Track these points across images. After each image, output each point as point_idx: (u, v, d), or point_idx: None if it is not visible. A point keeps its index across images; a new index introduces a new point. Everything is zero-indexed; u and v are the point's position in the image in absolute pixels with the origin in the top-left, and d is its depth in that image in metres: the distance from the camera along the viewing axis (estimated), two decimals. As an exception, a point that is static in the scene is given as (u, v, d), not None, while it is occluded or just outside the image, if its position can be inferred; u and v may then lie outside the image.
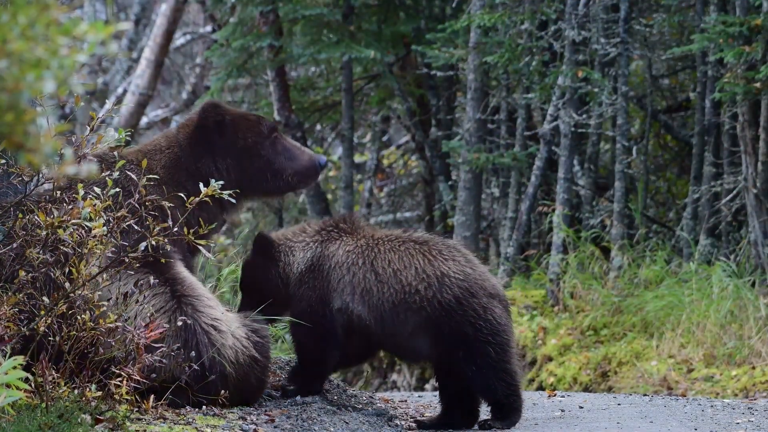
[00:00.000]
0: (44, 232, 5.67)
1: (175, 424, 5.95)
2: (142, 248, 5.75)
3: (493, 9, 13.73)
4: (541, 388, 12.03)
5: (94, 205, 5.63)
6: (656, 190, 15.57)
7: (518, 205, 14.16)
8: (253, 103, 17.41)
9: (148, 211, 6.07)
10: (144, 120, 20.80)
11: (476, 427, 6.74)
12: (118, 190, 5.89)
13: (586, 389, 11.79)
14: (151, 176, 6.16)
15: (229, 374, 6.35)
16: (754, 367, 10.82)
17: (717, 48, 12.13)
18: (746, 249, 12.35)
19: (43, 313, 5.64)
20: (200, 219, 6.37)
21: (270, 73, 15.73)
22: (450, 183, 15.74)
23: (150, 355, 5.83)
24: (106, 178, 5.83)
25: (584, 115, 13.42)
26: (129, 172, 6.28)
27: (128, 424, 5.63)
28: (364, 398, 7.35)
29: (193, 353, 6.21)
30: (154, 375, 5.99)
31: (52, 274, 5.73)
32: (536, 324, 12.64)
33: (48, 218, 5.64)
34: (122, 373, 5.69)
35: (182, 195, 6.50)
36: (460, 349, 6.55)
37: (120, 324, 5.73)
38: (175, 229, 5.89)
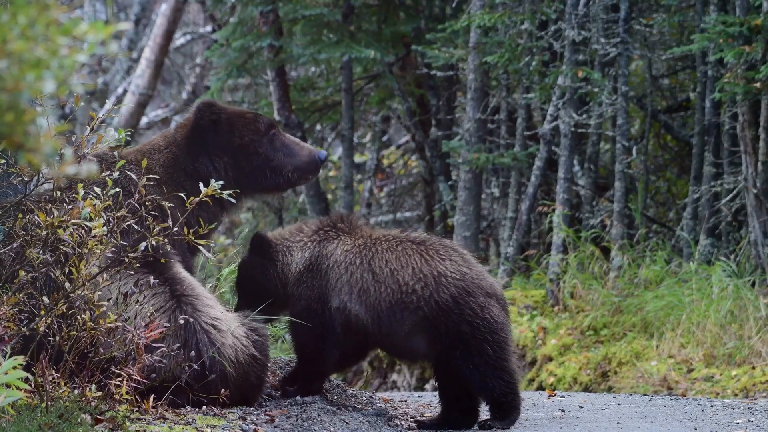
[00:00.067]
0: (44, 232, 5.67)
1: (175, 424, 5.95)
2: (142, 248, 5.75)
3: (493, 9, 13.73)
4: (541, 388, 12.03)
5: (94, 205, 5.63)
6: (656, 190, 15.57)
7: (518, 205, 14.16)
8: (253, 103, 17.41)
9: (148, 211, 6.07)
10: (144, 120, 20.80)
11: (476, 427, 6.74)
12: (118, 190, 5.89)
13: (586, 389, 11.79)
14: (151, 176, 6.17)
15: (229, 373, 6.35)
16: (754, 367, 10.82)
17: (717, 48, 12.13)
18: (746, 249, 12.35)
19: (43, 313, 5.64)
20: (200, 219, 6.37)
21: (270, 73, 15.74)
22: (450, 183, 15.74)
23: (150, 354, 5.84)
24: (106, 178, 5.83)
25: (584, 115, 13.42)
26: (129, 172, 6.28)
27: (128, 424, 5.63)
28: (364, 398, 7.35)
29: (193, 353, 6.21)
30: (154, 375, 5.99)
31: (52, 274, 5.73)
32: (536, 324, 12.64)
33: (48, 218, 5.64)
34: (122, 373, 5.69)
35: (182, 195, 6.51)
36: (457, 348, 6.56)
37: (120, 324, 5.73)
38: (175, 229, 5.89)
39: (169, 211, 6.27)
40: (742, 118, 12.28)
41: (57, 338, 5.71)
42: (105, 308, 5.76)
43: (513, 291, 13.18)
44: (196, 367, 6.20)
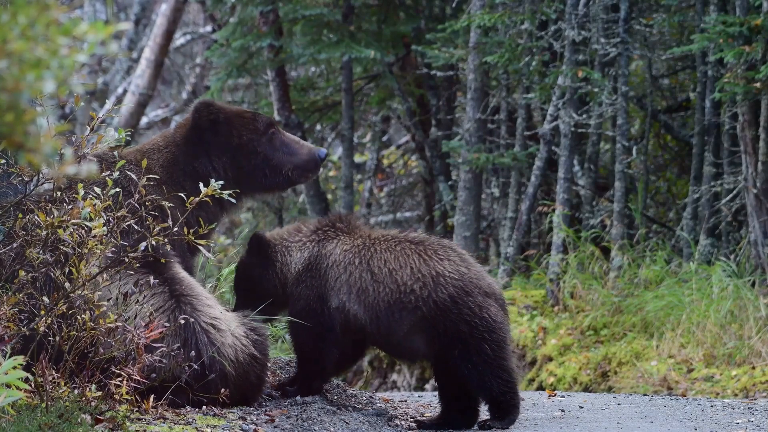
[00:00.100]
0: (44, 232, 5.67)
1: (175, 424, 5.95)
2: (142, 248, 5.75)
3: (493, 9, 13.73)
4: (541, 388, 12.03)
5: (94, 205, 5.63)
6: (656, 190, 15.57)
7: (518, 205, 14.16)
8: (253, 103, 17.41)
9: (148, 211, 6.07)
10: (144, 120, 20.80)
11: (476, 427, 6.74)
12: (118, 190, 5.89)
13: (586, 389, 11.79)
14: (151, 176, 6.17)
15: (229, 373, 6.35)
16: (754, 367, 10.82)
17: (717, 48, 12.13)
18: (746, 249, 12.35)
19: (43, 313, 5.64)
20: (200, 219, 6.37)
21: (270, 73, 15.74)
22: (450, 183, 15.74)
23: (150, 354, 5.84)
24: (106, 178, 5.83)
25: (584, 115, 13.42)
26: (129, 172, 6.28)
27: (128, 424, 5.63)
28: (364, 398, 7.35)
29: (192, 353, 6.21)
30: (154, 375, 5.99)
31: (52, 274, 5.73)
32: (536, 324, 12.64)
33: (48, 218, 5.64)
34: (122, 373, 5.69)
35: (182, 195, 6.51)
36: (456, 347, 6.57)
37: (120, 324, 5.73)
38: (175, 229, 5.89)
39: (169, 211, 6.27)
40: (742, 118, 12.28)
41: (57, 338, 5.71)
42: (105, 308, 5.76)
43: (513, 291, 13.18)
44: (196, 367, 6.20)
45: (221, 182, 5.99)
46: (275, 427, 6.20)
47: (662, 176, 15.63)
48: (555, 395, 8.57)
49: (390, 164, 19.62)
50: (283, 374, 7.42)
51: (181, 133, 6.92)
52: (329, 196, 18.10)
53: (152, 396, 5.97)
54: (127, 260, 5.79)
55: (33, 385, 5.53)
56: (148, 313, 6.14)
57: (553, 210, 13.39)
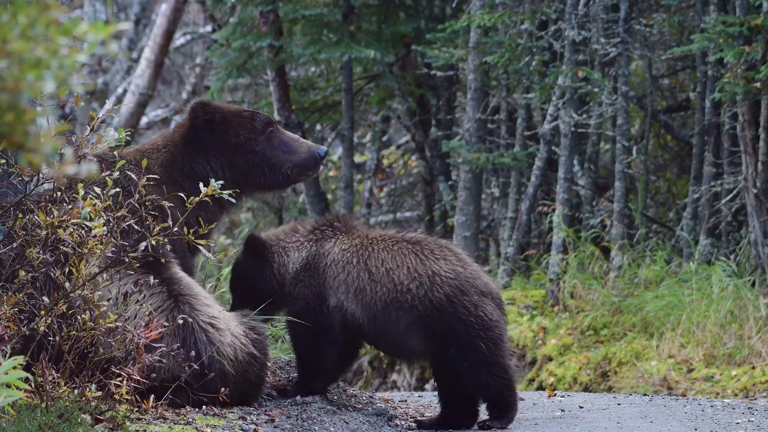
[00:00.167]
0: (44, 232, 5.67)
1: (175, 424, 5.95)
2: (142, 248, 5.75)
3: (493, 9, 13.73)
4: (541, 388, 12.03)
5: (94, 205, 5.63)
6: (656, 190, 15.57)
7: (518, 205, 14.17)
8: (253, 103, 17.41)
9: (148, 210, 6.07)
10: (144, 120, 20.80)
11: (476, 427, 6.74)
12: (118, 190, 5.89)
13: (586, 389, 11.79)
14: (150, 176, 6.17)
15: (228, 372, 6.35)
16: (754, 367, 10.82)
17: (717, 48, 12.13)
18: (746, 249, 12.35)
19: (43, 313, 5.64)
20: (199, 219, 6.37)
21: (270, 73, 15.74)
22: (450, 183, 15.74)
23: (150, 354, 5.84)
24: (106, 178, 5.83)
25: (584, 115, 13.42)
26: (129, 172, 6.28)
27: (128, 424, 5.63)
28: (364, 398, 7.35)
29: (192, 352, 6.21)
30: (153, 375, 5.99)
31: (52, 274, 5.73)
32: (536, 324, 12.64)
33: (48, 218, 5.65)
34: (122, 373, 5.69)
35: (181, 195, 6.51)
36: (451, 346, 6.58)
37: (120, 324, 5.73)
38: (175, 229, 5.89)
39: (169, 211, 6.27)
40: (742, 118, 12.28)
41: (57, 338, 5.71)
42: (105, 308, 5.76)
43: (513, 291, 13.18)
44: (196, 367, 6.20)
45: (221, 182, 5.99)
46: (275, 427, 6.20)
47: (662, 176, 15.63)
48: (555, 395, 8.57)
49: (390, 164, 19.63)
50: (283, 374, 7.42)
51: (180, 132, 6.93)
52: (329, 196, 18.10)
53: (152, 396, 5.97)
54: (127, 260, 5.79)
55: (33, 385, 5.53)
56: (147, 313, 6.14)
57: (553, 210, 13.39)
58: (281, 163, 6.97)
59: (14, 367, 4.72)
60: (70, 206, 5.66)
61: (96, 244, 5.65)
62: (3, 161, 5.97)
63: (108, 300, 5.96)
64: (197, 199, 5.96)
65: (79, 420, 5.37)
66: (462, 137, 14.37)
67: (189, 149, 6.86)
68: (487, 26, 13.59)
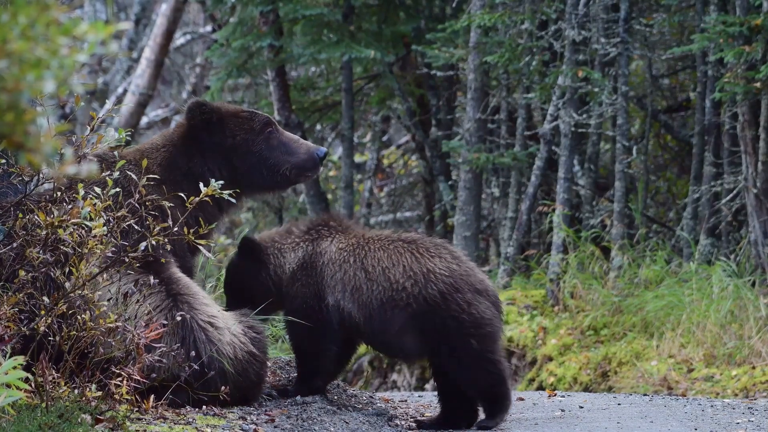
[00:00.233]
0: (44, 232, 5.67)
1: (175, 423, 5.95)
2: (142, 248, 5.75)
3: (493, 9, 13.73)
4: (541, 388, 12.03)
5: (94, 205, 5.63)
6: (656, 190, 15.57)
7: (518, 205, 14.17)
8: (253, 103, 17.42)
9: (148, 210, 6.07)
10: (144, 120, 20.80)
11: (476, 427, 6.74)
12: (118, 190, 5.89)
13: (586, 389, 11.79)
14: (151, 176, 6.17)
15: (228, 371, 6.35)
16: (754, 367, 10.82)
17: (717, 48, 12.13)
18: (746, 249, 12.35)
19: (43, 313, 5.64)
20: (199, 219, 6.37)
21: (270, 73, 15.74)
22: (450, 183, 15.74)
23: (149, 354, 5.84)
24: (106, 178, 5.83)
25: (584, 115, 13.42)
26: (129, 172, 6.28)
27: (128, 424, 5.63)
28: (364, 398, 7.35)
29: (192, 352, 6.21)
30: (153, 375, 5.99)
31: (52, 274, 5.73)
32: (536, 324, 12.64)
33: (48, 218, 5.65)
34: (122, 373, 5.70)
35: (181, 195, 6.51)
36: (443, 343, 6.59)
37: (120, 324, 5.73)
38: (175, 229, 5.89)
39: (169, 211, 6.27)
40: (742, 118, 12.28)
41: (57, 338, 5.71)
42: (105, 308, 5.76)
43: (513, 291, 13.18)
44: (195, 366, 6.20)
45: (221, 182, 5.99)
46: (275, 427, 6.20)
47: (662, 176, 15.63)
48: (555, 395, 8.57)
49: (390, 164, 19.63)
50: (283, 374, 7.42)
51: (179, 132, 6.92)
52: (329, 196, 18.10)
53: (152, 396, 5.97)
54: (127, 260, 5.79)
55: (33, 385, 5.53)
56: (146, 312, 6.14)
57: (553, 210, 13.39)
58: (280, 164, 6.96)
59: (14, 367, 4.72)
60: (70, 206, 5.66)
61: (96, 244, 5.66)
62: (3, 161, 5.97)
63: (108, 300, 5.96)
64: (197, 199, 5.96)
65: (79, 420, 5.37)
66: (462, 137, 14.37)
67: (187, 149, 6.86)
68: (487, 26, 13.59)
